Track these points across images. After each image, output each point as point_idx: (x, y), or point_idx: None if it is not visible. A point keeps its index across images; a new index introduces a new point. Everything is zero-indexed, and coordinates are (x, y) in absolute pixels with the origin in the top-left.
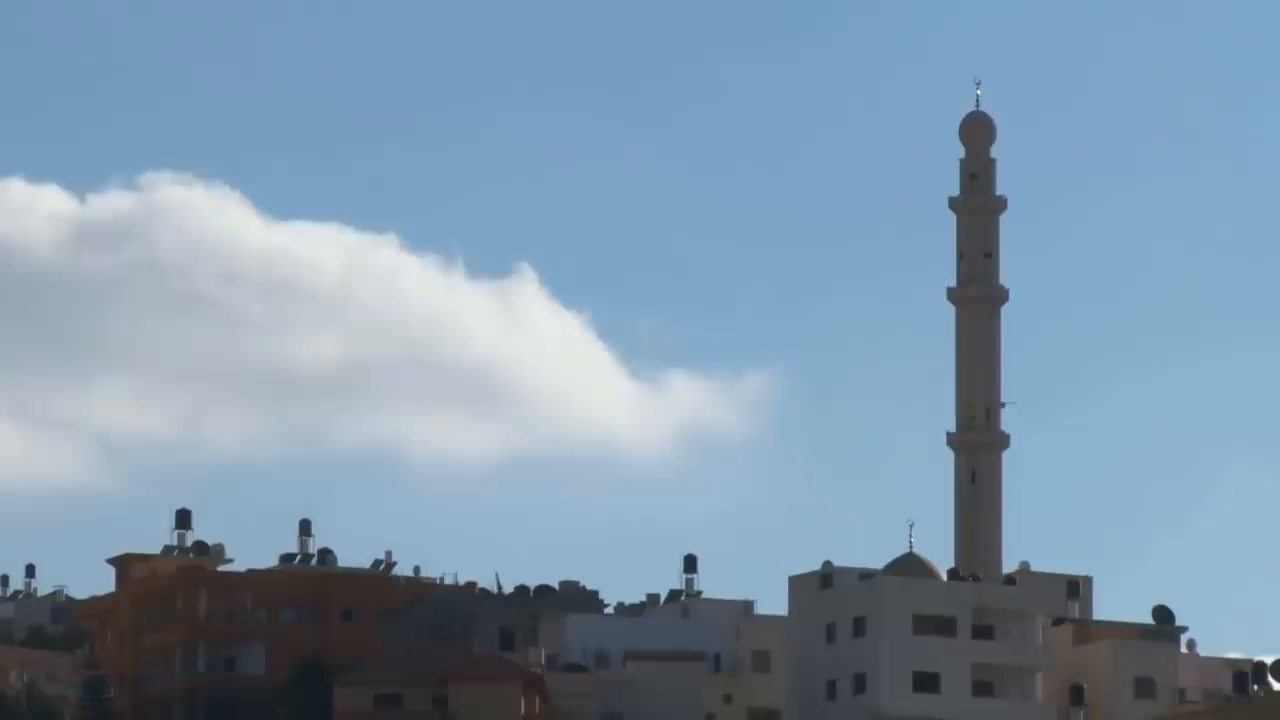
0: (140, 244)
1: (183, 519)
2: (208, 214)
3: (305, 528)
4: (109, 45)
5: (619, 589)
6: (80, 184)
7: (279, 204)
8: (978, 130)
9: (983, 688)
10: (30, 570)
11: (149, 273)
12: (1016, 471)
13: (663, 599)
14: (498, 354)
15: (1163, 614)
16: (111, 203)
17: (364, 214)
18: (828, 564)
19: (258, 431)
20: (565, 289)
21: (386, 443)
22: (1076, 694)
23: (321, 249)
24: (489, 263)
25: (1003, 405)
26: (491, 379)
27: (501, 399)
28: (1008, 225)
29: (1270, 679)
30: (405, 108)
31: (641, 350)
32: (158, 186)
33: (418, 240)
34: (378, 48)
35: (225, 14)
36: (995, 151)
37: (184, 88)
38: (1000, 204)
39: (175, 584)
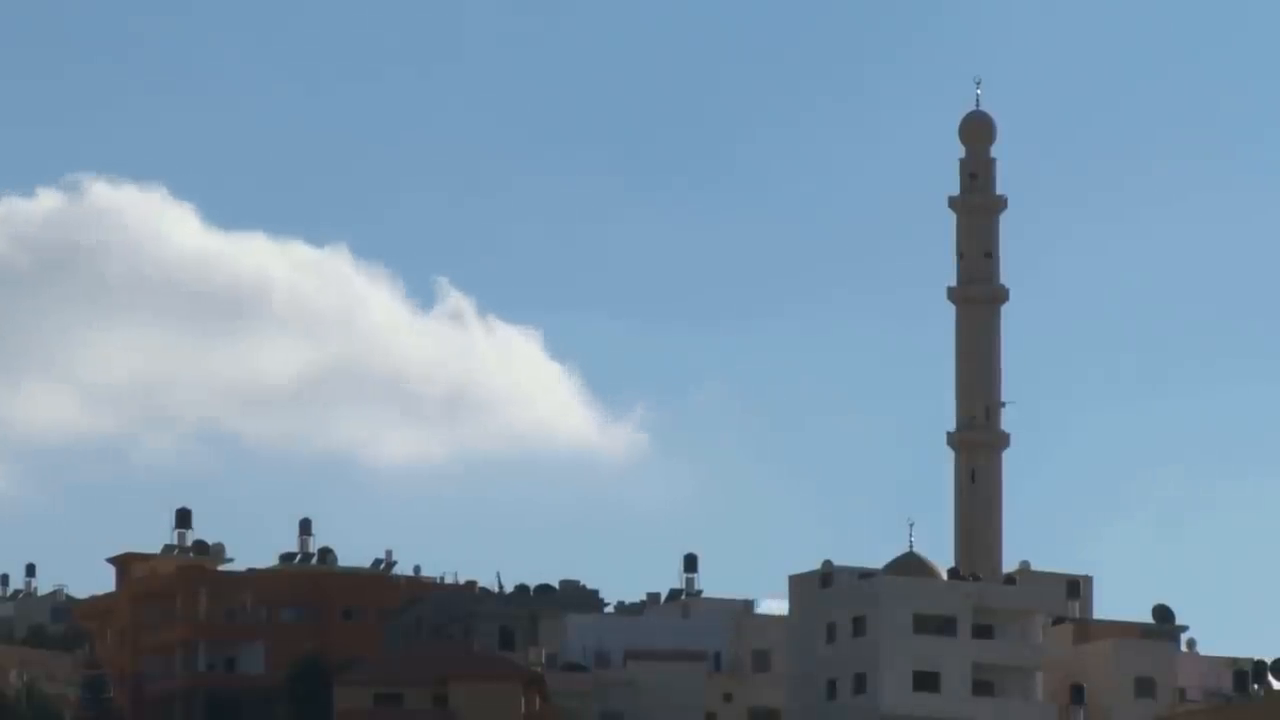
0: (77, 248)
1: (183, 518)
2: (147, 220)
3: (305, 527)
4: (48, 44)
5: (619, 588)
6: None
7: (218, 212)
8: (978, 130)
9: (983, 687)
10: (30, 570)
11: (87, 276)
12: (1016, 471)
13: (663, 598)
14: (454, 367)
15: (1163, 614)
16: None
17: (308, 225)
18: (828, 564)
19: (202, 437)
20: (520, 302)
21: (354, 449)
22: (1076, 694)
23: (263, 258)
24: (423, 277)
25: (1003, 405)
26: (452, 389)
27: (464, 407)
28: (1008, 225)
29: (1270, 679)
30: (342, 118)
31: (615, 349)
32: (92, 189)
33: (364, 252)
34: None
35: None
36: (995, 151)
37: (123, 90)
38: (1000, 204)
39: (175, 583)
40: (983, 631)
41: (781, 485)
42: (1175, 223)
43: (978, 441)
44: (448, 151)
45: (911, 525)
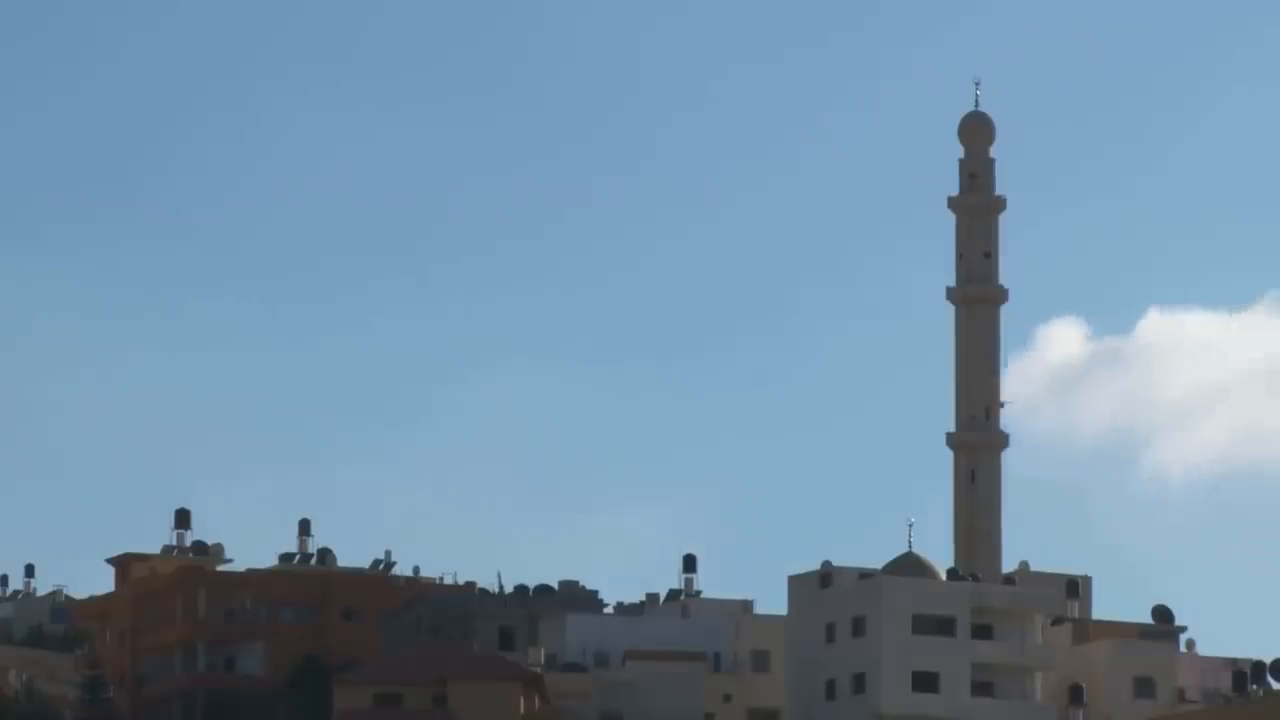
0: None
1: (182, 519)
2: None
3: (305, 527)
4: None
5: (618, 588)
6: None
7: None
8: (977, 130)
9: (982, 688)
10: (30, 570)
11: None
12: (1016, 471)
13: (662, 599)
14: None
15: (1162, 614)
16: None
17: None
18: (827, 564)
19: None
20: None
21: None
22: (1076, 694)
23: None
24: None
25: (1002, 405)
26: None
27: None
28: (1007, 225)
29: (1270, 679)
30: None
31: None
32: None
33: None
34: None
35: None
36: (994, 151)
37: None
38: (1000, 204)
39: (175, 584)
40: (982, 632)
41: (781, 485)
42: (1174, 222)
43: (978, 441)
44: None
45: (911, 525)
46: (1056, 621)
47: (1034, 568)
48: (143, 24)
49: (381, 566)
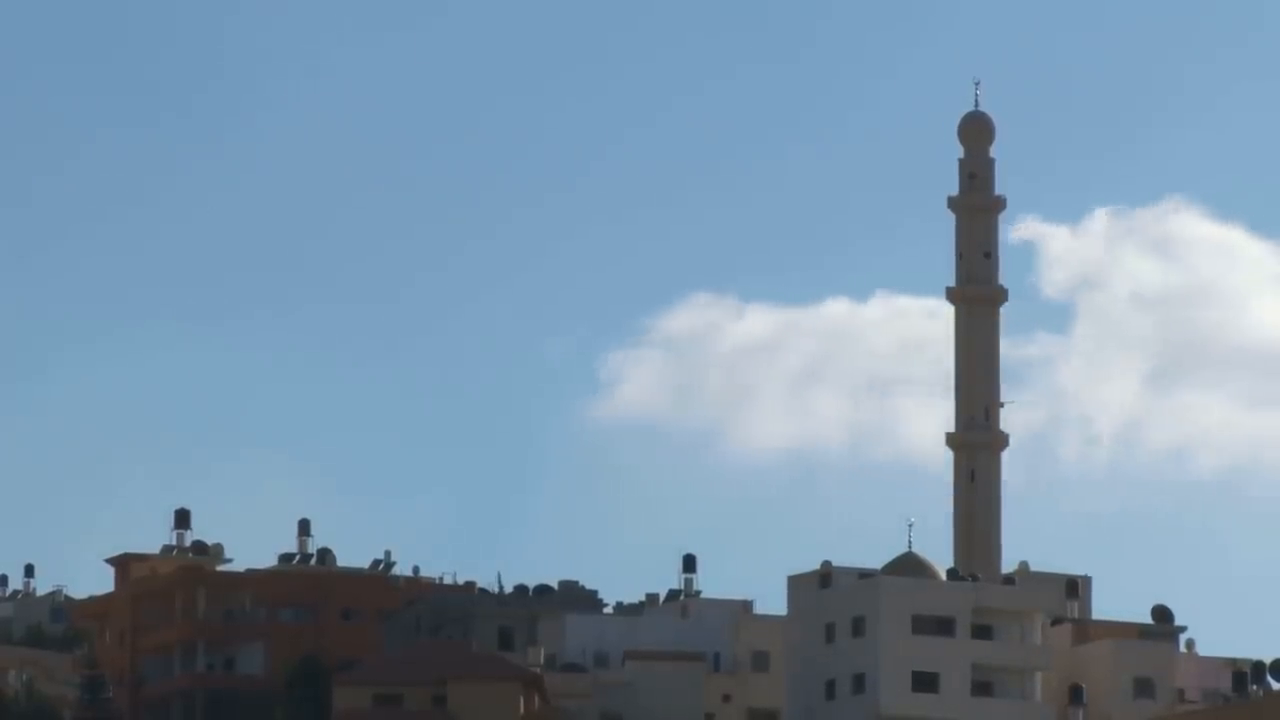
0: None
1: (181, 519)
2: None
3: (305, 527)
4: None
5: (618, 589)
6: None
7: None
8: (976, 130)
9: (982, 688)
10: (30, 570)
11: None
12: (1016, 471)
13: (662, 599)
14: None
15: (1162, 614)
16: None
17: None
18: (827, 564)
19: None
20: None
21: None
22: (1076, 694)
23: None
24: None
25: (1002, 405)
26: None
27: None
28: (1007, 225)
29: (1270, 679)
30: None
31: None
32: None
33: None
34: None
35: None
36: (994, 151)
37: None
38: (999, 204)
39: (174, 584)
40: (982, 632)
41: (781, 485)
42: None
43: (978, 441)
44: None
45: (911, 525)
46: (1056, 621)
47: (1033, 568)
48: None
49: (381, 566)
